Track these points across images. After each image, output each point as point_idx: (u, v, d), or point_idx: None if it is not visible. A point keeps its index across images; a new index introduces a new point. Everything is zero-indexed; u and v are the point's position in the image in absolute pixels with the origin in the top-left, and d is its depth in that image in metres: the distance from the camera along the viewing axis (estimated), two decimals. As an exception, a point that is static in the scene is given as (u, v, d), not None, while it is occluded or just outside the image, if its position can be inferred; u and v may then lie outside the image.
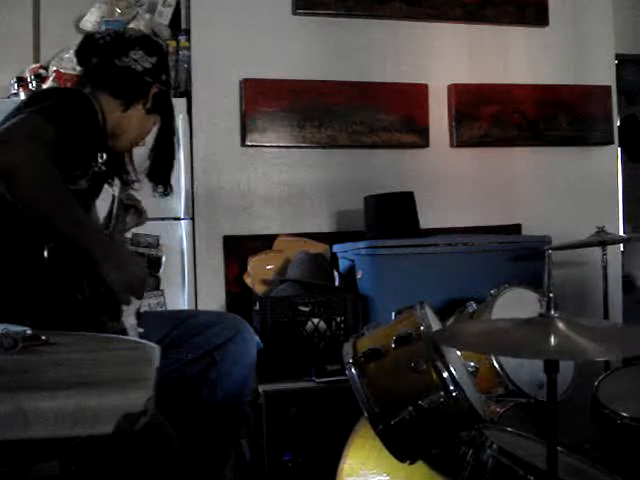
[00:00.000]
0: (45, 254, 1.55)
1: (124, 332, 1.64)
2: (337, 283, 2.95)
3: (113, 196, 1.91)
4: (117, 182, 1.99)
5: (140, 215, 2.04)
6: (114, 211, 1.88)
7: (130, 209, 1.99)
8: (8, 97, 2.99)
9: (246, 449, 2.58)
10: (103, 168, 1.81)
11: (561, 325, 1.23)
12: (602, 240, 2.71)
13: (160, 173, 1.97)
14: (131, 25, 3.06)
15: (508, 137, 3.37)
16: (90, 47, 1.84)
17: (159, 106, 1.89)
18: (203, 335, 1.92)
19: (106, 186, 1.92)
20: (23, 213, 1.49)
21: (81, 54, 1.86)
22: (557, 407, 1.25)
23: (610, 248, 2.86)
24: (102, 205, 1.93)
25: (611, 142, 3.52)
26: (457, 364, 1.62)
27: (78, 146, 1.62)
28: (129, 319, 1.66)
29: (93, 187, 1.79)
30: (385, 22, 3.28)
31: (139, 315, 1.70)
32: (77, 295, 1.60)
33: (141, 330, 1.68)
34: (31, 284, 1.59)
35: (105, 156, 1.81)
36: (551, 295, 1.27)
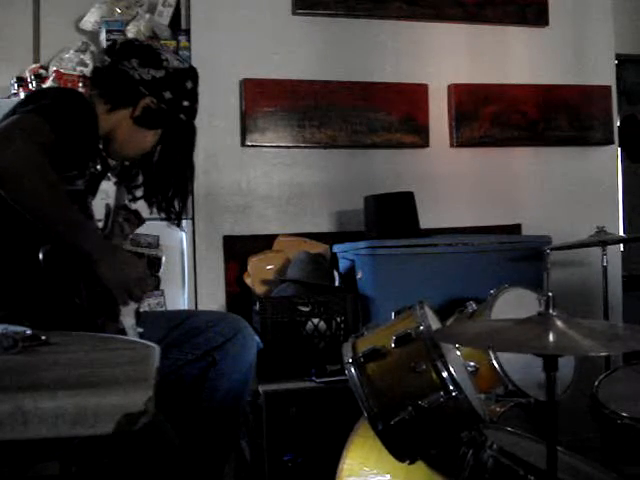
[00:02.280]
0: (40, 256, 1.55)
1: (123, 332, 1.64)
2: (337, 283, 2.94)
3: (108, 206, 1.89)
4: (112, 192, 1.97)
5: (136, 224, 1.98)
6: (109, 223, 1.85)
7: (125, 224, 1.94)
8: (8, 97, 2.99)
9: (246, 449, 2.58)
10: (99, 169, 1.81)
11: (559, 323, 1.23)
12: (602, 240, 2.71)
13: (160, 200, 1.88)
14: (131, 25, 3.06)
15: (508, 137, 3.37)
16: (109, 50, 1.86)
17: (150, 121, 1.81)
18: (203, 335, 1.91)
19: (104, 195, 1.91)
20: (19, 214, 1.49)
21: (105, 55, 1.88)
22: (557, 405, 1.25)
23: (610, 248, 2.87)
24: (100, 205, 1.92)
25: (611, 142, 3.52)
26: (457, 364, 1.62)
27: (75, 145, 1.62)
28: (128, 319, 1.66)
29: (90, 187, 1.79)
30: (385, 22, 3.28)
31: (138, 315, 1.70)
32: (74, 298, 1.59)
33: (140, 330, 1.68)
34: (28, 285, 1.59)
35: (99, 160, 1.80)
36: (550, 294, 1.27)
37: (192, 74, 1.89)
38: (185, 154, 1.90)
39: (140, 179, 1.92)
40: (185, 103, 1.86)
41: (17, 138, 1.47)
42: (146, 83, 1.79)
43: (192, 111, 1.90)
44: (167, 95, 1.82)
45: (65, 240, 1.54)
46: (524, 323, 1.28)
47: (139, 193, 1.92)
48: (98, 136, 1.78)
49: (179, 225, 1.97)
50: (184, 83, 1.86)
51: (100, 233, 1.78)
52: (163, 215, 1.91)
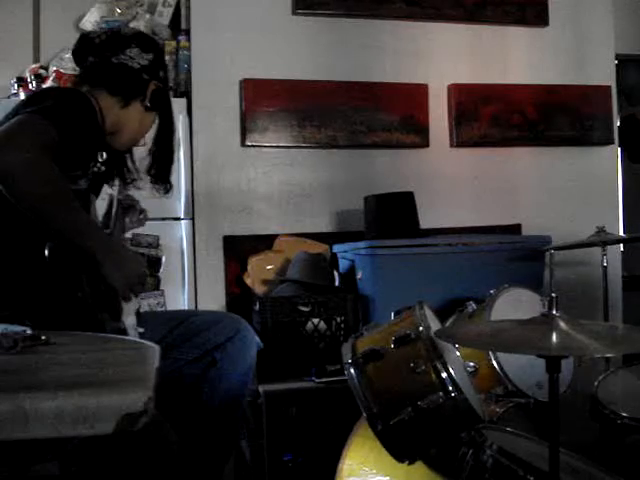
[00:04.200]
0: (46, 252, 1.55)
1: (124, 332, 1.64)
2: (337, 283, 2.94)
3: (111, 196, 1.91)
4: (116, 182, 1.99)
5: (139, 215, 2.03)
6: (113, 211, 1.88)
7: (129, 210, 1.99)
8: (8, 97, 2.99)
9: (246, 449, 2.58)
10: (102, 168, 1.81)
11: (563, 324, 1.23)
12: (602, 240, 2.71)
13: (161, 171, 1.96)
14: (131, 25, 3.06)
15: (508, 137, 3.37)
16: (86, 46, 1.85)
17: (157, 103, 1.89)
18: (203, 335, 1.92)
19: (105, 186, 1.92)
20: (24, 212, 1.49)
21: (78, 54, 1.87)
22: (559, 406, 1.25)
23: (610, 248, 2.86)
24: (101, 205, 1.93)
25: (611, 142, 3.52)
26: (456, 364, 1.62)
27: (78, 146, 1.62)
28: (129, 319, 1.66)
29: (93, 187, 1.79)
30: (385, 22, 3.28)
31: (139, 315, 1.71)
32: (77, 293, 1.60)
33: (141, 330, 1.68)
34: (32, 283, 1.59)
35: (105, 155, 1.81)
36: (553, 294, 1.27)
37: (161, 46, 2.03)
38: (172, 122, 1.98)
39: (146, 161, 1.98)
40: (164, 74, 1.95)
41: (20, 139, 1.47)
42: (146, 69, 1.84)
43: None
44: (161, 73, 1.90)
45: (69, 239, 1.55)
46: (527, 324, 1.28)
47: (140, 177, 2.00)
48: (102, 134, 1.78)
49: (168, 191, 2.01)
50: (164, 57, 1.98)
51: (104, 232, 1.78)
52: (160, 187, 1.97)
